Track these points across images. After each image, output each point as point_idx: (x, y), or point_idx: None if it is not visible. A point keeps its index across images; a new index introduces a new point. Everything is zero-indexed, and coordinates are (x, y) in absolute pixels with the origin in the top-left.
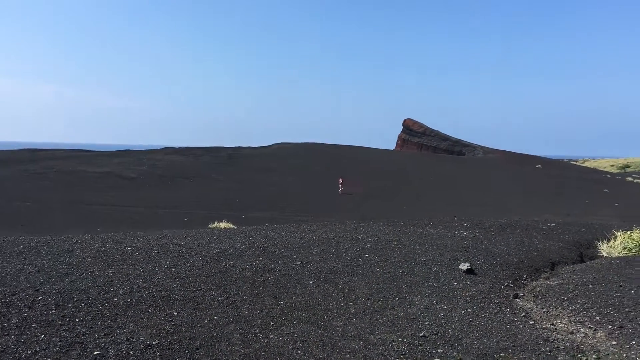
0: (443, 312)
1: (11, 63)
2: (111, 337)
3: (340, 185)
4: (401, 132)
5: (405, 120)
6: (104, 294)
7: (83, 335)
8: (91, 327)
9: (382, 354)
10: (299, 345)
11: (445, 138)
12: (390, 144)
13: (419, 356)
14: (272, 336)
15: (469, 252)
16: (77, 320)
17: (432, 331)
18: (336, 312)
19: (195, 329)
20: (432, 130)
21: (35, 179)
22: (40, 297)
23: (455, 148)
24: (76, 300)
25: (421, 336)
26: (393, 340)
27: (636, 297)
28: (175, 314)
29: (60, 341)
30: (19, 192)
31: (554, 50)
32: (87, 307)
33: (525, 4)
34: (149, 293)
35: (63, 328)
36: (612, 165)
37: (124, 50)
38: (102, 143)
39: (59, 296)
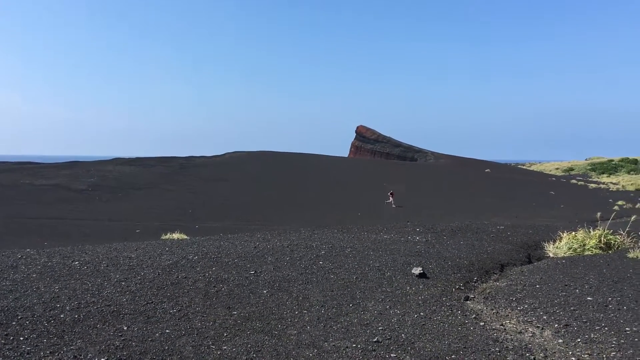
0: (396, 317)
1: None
2: (57, 354)
3: (391, 199)
4: (354, 139)
5: (358, 127)
6: (50, 310)
7: (28, 354)
8: (36, 345)
9: None
10: (253, 356)
11: (397, 144)
12: (344, 151)
13: None
14: (225, 347)
15: (421, 257)
16: (21, 338)
17: (385, 336)
18: (290, 321)
19: (146, 343)
20: (385, 137)
21: None
22: None
23: (407, 154)
24: (20, 318)
25: (375, 341)
26: (347, 347)
27: (581, 295)
28: (125, 328)
29: None
30: None
31: (502, 55)
32: (32, 324)
33: (461, 6)
34: (97, 308)
35: (7, 347)
36: (557, 169)
37: (71, 57)
38: (48, 154)
39: (2, 314)
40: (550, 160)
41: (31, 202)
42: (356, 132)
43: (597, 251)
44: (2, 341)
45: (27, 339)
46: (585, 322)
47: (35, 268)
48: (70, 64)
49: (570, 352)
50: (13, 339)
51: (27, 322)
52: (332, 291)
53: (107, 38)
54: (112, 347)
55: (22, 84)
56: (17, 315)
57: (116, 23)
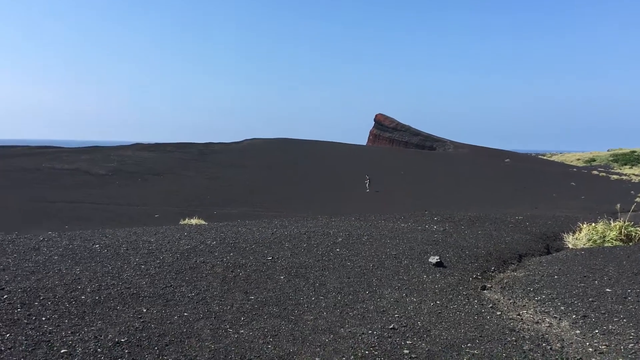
0: (412, 305)
1: None
2: (79, 335)
3: (367, 183)
4: (373, 127)
5: (376, 116)
6: (71, 292)
7: (50, 333)
8: (58, 326)
9: (351, 347)
10: (270, 340)
11: (416, 133)
12: (363, 139)
13: (388, 348)
14: (242, 331)
15: (438, 246)
16: (43, 318)
17: (401, 323)
18: (307, 307)
19: (164, 325)
20: (404, 126)
21: None
22: (6, 296)
23: (426, 143)
24: (42, 299)
25: (390, 328)
26: (363, 333)
27: (599, 287)
28: (145, 310)
29: (26, 340)
30: None
31: (525, 46)
32: (53, 305)
33: None
34: (117, 290)
35: (29, 327)
36: (578, 159)
37: (101, 46)
38: (69, 139)
39: (25, 295)
40: (572, 150)
41: (52, 186)
42: (375, 120)
43: (617, 243)
44: (25, 321)
45: (49, 319)
46: (604, 313)
47: (56, 250)
48: (94, 50)
49: (587, 343)
50: (35, 318)
51: (49, 303)
52: (349, 278)
53: (129, 23)
54: (131, 328)
55: (45, 70)
56: (40, 295)
57: (140, 8)
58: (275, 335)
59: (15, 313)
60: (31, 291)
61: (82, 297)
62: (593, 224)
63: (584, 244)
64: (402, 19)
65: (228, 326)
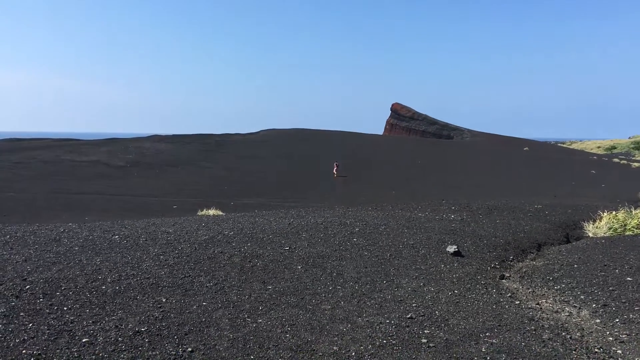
0: (430, 294)
1: None
2: (100, 324)
3: (335, 170)
4: (389, 116)
5: (393, 105)
6: (91, 282)
7: (71, 323)
8: (79, 315)
9: (369, 336)
10: (288, 329)
11: (433, 122)
12: (379, 129)
13: (406, 337)
14: (260, 320)
15: (456, 235)
16: (65, 308)
17: (419, 313)
18: (324, 296)
19: (184, 314)
20: (420, 115)
21: (18, 168)
22: (28, 287)
23: (443, 132)
24: (64, 289)
25: (408, 318)
26: (380, 322)
27: (620, 276)
28: (164, 300)
29: (48, 329)
30: (1, 182)
31: (542, 33)
32: (75, 295)
33: None
34: (137, 280)
35: (51, 316)
36: (598, 147)
37: (112, 39)
38: (87, 132)
39: (47, 285)
40: (592, 138)
41: (72, 178)
42: (391, 109)
43: (639, 231)
44: (47, 310)
45: (70, 308)
46: (624, 302)
47: (77, 241)
48: (110, 42)
49: (607, 332)
50: (57, 308)
51: (71, 293)
52: (366, 268)
53: (144, 15)
54: (151, 318)
55: (63, 62)
56: (61, 286)
57: (154, 2)
58: (293, 324)
59: (38, 303)
60: (53, 281)
61: (103, 287)
62: (614, 213)
63: (605, 233)
64: (420, 6)
65: (246, 315)
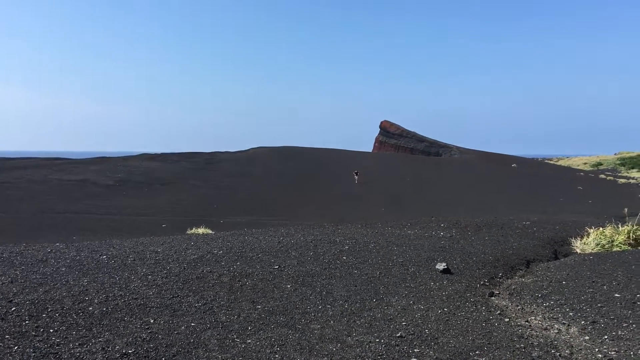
0: (420, 312)
1: None
2: (86, 346)
3: (356, 177)
4: (378, 134)
5: (382, 122)
6: (78, 303)
7: (57, 345)
8: (66, 337)
9: (359, 355)
10: (277, 350)
11: (421, 139)
12: (368, 146)
13: (396, 356)
14: (249, 341)
15: (445, 252)
16: (51, 330)
17: (409, 331)
18: (314, 315)
19: (172, 336)
20: (409, 132)
21: (5, 188)
22: (14, 308)
23: (431, 149)
24: (50, 311)
25: (398, 336)
26: (370, 342)
27: (608, 292)
28: (152, 321)
29: (34, 352)
30: None
31: (527, 50)
32: (61, 317)
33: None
34: (124, 301)
35: (37, 339)
36: (585, 163)
37: (101, 55)
38: (76, 150)
39: (33, 307)
40: (578, 154)
41: (60, 197)
42: (380, 127)
43: (626, 247)
44: (33, 333)
45: (56, 331)
46: (613, 319)
47: (64, 262)
48: (97, 60)
49: (597, 349)
50: (43, 330)
51: (57, 315)
52: (356, 286)
53: (132, 34)
54: (139, 339)
55: (49, 79)
56: (47, 307)
57: (143, 17)
58: (283, 344)
59: (24, 325)
60: (39, 303)
61: (90, 309)
62: (601, 229)
63: (592, 249)
64: (403, 24)
65: (235, 336)
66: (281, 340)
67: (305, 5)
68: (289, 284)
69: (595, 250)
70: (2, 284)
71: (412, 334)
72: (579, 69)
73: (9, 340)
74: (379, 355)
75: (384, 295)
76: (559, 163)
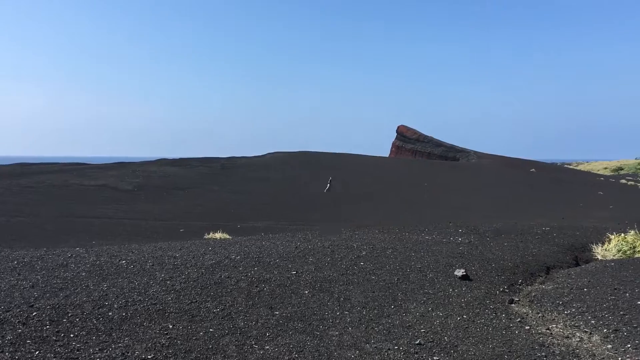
0: (439, 319)
1: None
2: (106, 352)
3: (328, 185)
4: (395, 139)
5: (399, 127)
6: (98, 308)
7: (78, 350)
8: (86, 343)
9: None
10: (295, 356)
11: (439, 144)
12: (385, 151)
13: None
14: (267, 347)
15: (464, 258)
16: (71, 335)
17: (427, 338)
18: (332, 322)
19: (190, 341)
20: (426, 137)
21: (27, 192)
22: (35, 313)
23: (449, 154)
24: (71, 316)
25: (417, 344)
26: (389, 349)
27: (631, 300)
28: (171, 327)
29: (54, 357)
30: (10, 206)
31: (548, 54)
32: (81, 322)
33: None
34: (143, 306)
35: (58, 344)
36: (605, 168)
37: (119, 60)
38: (96, 155)
39: (54, 312)
40: (599, 159)
41: (80, 202)
42: (397, 131)
43: None
44: (54, 338)
45: (77, 336)
46: (636, 327)
47: (84, 266)
48: (116, 67)
49: (619, 358)
50: (64, 335)
51: (77, 320)
52: (374, 292)
53: (155, 38)
54: (158, 345)
55: (72, 87)
56: (68, 312)
57: (163, 21)
58: (301, 351)
59: (44, 330)
60: (60, 308)
61: (110, 314)
62: (622, 235)
63: (614, 255)
64: (426, 28)
65: (253, 342)
66: (299, 347)
67: (327, 15)
68: (306, 290)
69: (616, 257)
70: (23, 288)
71: (431, 342)
72: (601, 72)
73: (31, 345)
74: None
75: (402, 301)
76: (578, 168)
